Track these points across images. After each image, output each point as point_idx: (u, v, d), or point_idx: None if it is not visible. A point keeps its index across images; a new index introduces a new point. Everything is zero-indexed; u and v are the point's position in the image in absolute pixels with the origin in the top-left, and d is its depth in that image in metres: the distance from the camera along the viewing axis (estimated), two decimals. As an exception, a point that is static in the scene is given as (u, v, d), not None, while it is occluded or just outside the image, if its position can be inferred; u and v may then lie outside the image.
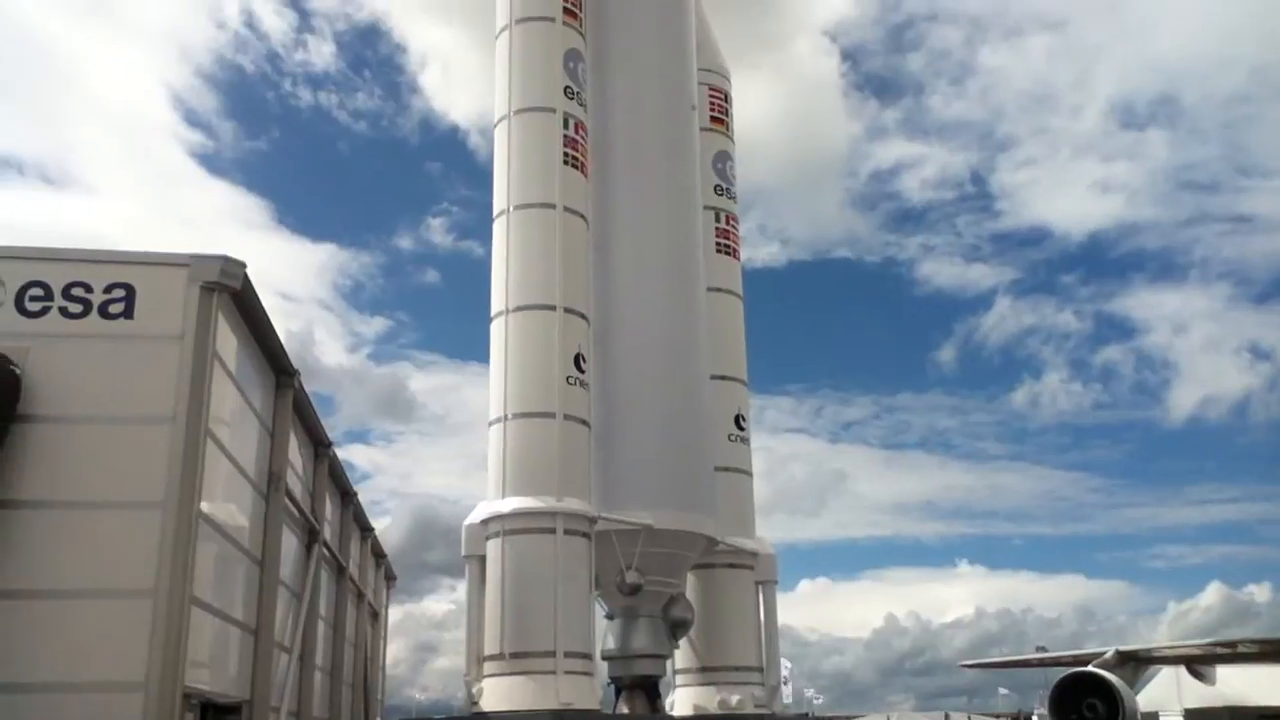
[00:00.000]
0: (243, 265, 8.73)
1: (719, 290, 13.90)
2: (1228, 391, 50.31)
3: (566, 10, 12.79)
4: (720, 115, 14.88)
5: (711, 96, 14.85)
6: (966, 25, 51.48)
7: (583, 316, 11.86)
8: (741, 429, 13.75)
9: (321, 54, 53.88)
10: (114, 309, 8.55)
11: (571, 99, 12.52)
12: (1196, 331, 52.09)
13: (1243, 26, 47.92)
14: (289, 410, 10.35)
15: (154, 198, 52.27)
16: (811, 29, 50.99)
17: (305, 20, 54.04)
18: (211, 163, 54.83)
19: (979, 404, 54.13)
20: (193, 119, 52.48)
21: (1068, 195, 53.46)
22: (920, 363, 54.72)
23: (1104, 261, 52.96)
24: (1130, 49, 51.34)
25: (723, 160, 14.68)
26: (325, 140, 54.88)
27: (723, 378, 13.54)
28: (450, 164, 55.99)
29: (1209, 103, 50.68)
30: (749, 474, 13.78)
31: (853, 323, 57.05)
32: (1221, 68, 50.19)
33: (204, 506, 8.15)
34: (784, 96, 51.80)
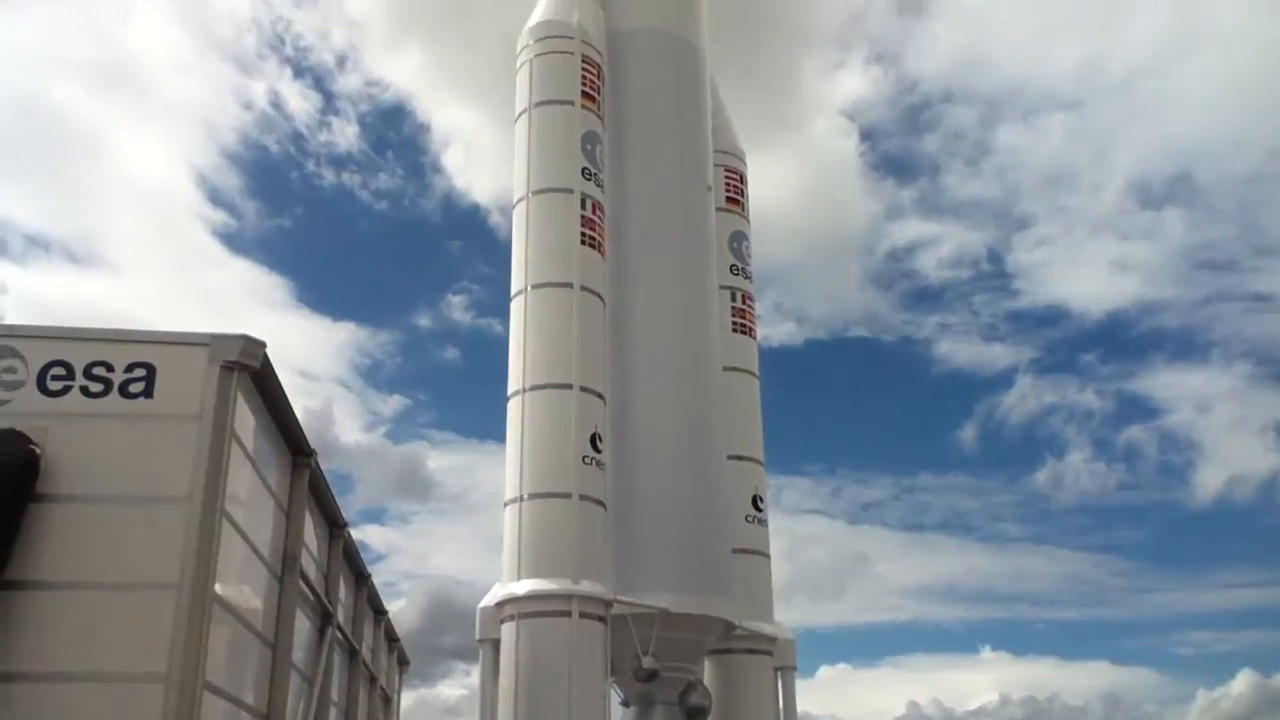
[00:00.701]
0: (262, 344, 8.78)
1: (735, 369, 13.88)
2: (1254, 472, 49.65)
3: (585, 94, 13.01)
4: (736, 196, 15.03)
5: (728, 177, 15.02)
6: (981, 105, 52.10)
7: (600, 396, 11.84)
8: (759, 510, 13.61)
9: (345, 135, 54.83)
10: (134, 388, 8.59)
11: (589, 180, 12.67)
12: (1220, 411, 51.59)
13: (1257, 108, 48.41)
14: (305, 490, 10.30)
15: (177, 276, 52.80)
16: (830, 109, 51.69)
17: (330, 102, 55.08)
18: (234, 241, 55.47)
19: (1000, 484, 53.49)
20: (216, 198, 53.24)
21: (1085, 274, 53.47)
22: (939, 442, 54.20)
23: (1123, 340, 52.74)
24: (1145, 129, 51.83)
25: (738, 240, 14.79)
26: (347, 219, 55.53)
27: (740, 458, 13.44)
28: (471, 242, 56.51)
29: (1225, 183, 50.95)
30: (767, 556, 13.59)
31: (871, 402, 56.64)
32: (1236, 148, 50.52)
33: (218, 589, 8.06)
34: (803, 176, 52.35)
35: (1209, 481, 50.87)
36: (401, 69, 52.41)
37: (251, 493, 9.14)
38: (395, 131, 57.80)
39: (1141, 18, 50.05)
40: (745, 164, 15.50)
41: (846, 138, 53.57)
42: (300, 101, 54.56)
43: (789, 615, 14.82)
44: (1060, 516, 51.63)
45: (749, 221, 15.16)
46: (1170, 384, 52.26)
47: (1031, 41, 51.86)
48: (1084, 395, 52.14)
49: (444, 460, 56.56)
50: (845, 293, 54.74)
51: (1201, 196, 51.20)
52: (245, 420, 8.93)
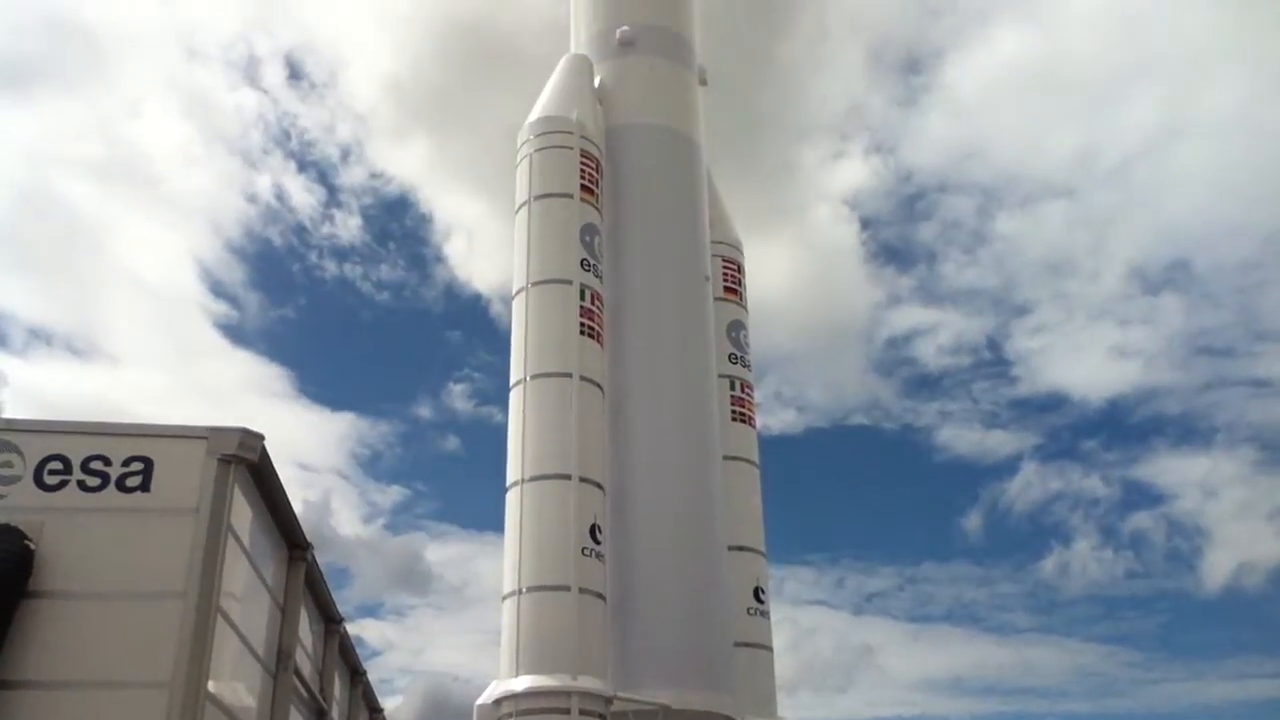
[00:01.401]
0: (260, 437, 8.78)
1: (735, 459, 13.84)
2: (1262, 559, 49.07)
3: (584, 187, 13.22)
4: (734, 285, 15.17)
5: (725, 267, 15.17)
6: (978, 195, 52.88)
7: (599, 486, 11.79)
8: (761, 602, 13.43)
9: (348, 226, 55.48)
10: (131, 482, 8.56)
11: (588, 271, 12.80)
12: (1226, 497, 51.26)
13: (1251, 195, 49.14)
14: (300, 585, 10.19)
15: (178, 368, 52.94)
16: (831, 198, 52.43)
17: (334, 195, 55.86)
18: (235, 333, 55.72)
19: (1006, 573, 52.80)
20: (219, 290, 53.65)
21: (1084, 360, 53.63)
22: (943, 531, 53.69)
23: (1125, 426, 52.61)
24: (1141, 216, 52.54)
25: (737, 329, 14.87)
26: (348, 310, 55.89)
27: (740, 548, 13.31)
28: (472, 331, 56.80)
29: (1221, 269, 51.43)
30: (770, 649, 13.36)
31: (873, 490, 56.27)
32: (1232, 235, 51.15)
33: (211, 687, 7.92)
34: (804, 264, 52.93)
35: (1218, 569, 50.31)
36: (405, 161, 53.42)
37: (247, 587, 9.03)
38: (398, 223, 58.61)
39: (1134, 106, 51.14)
40: (742, 254, 15.68)
41: (847, 226, 54.30)
42: (304, 195, 55.42)
43: (793, 710, 14.50)
44: (1068, 606, 50.89)
45: (747, 310, 15.28)
46: (1174, 470, 52.05)
47: (1025, 131, 52.93)
48: (1088, 482, 51.87)
49: (443, 552, 56.05)
50: (845, 380, 54.88)
51: (1198, 283, 51.67)
52: (242, 514, 8.88)
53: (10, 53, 47.82)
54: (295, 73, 57.92)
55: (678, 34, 15.00)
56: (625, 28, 14.50)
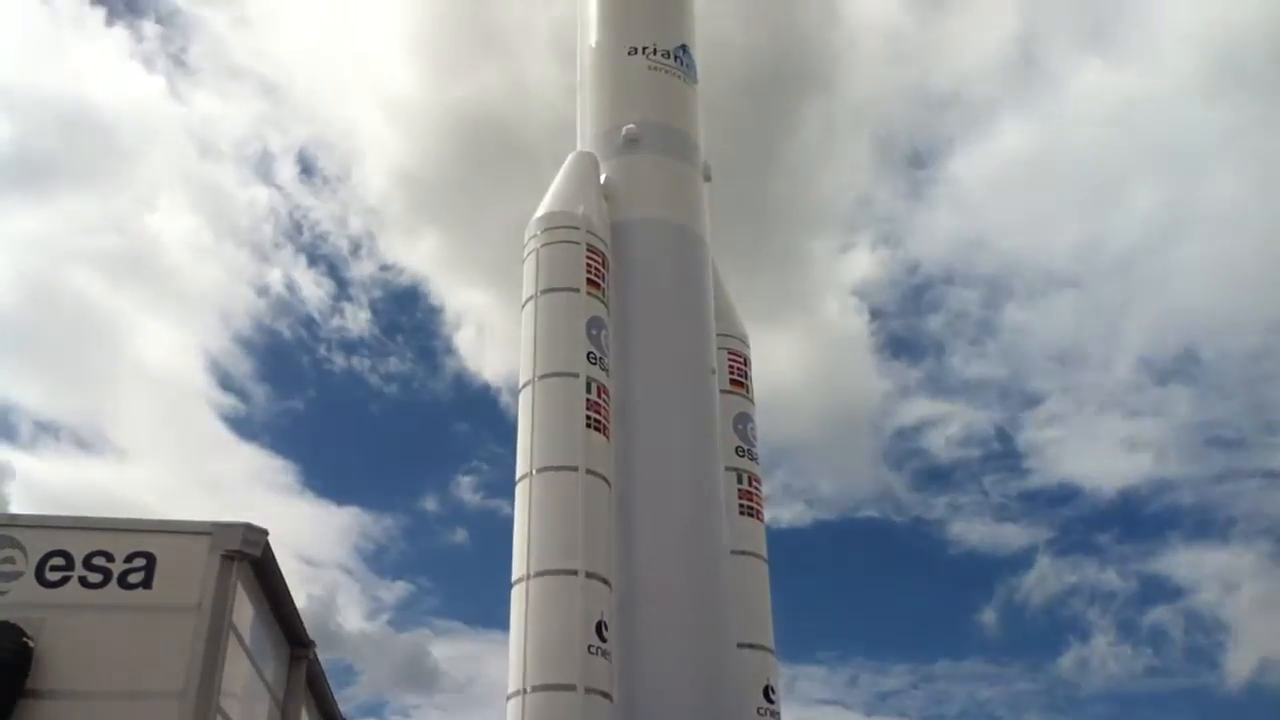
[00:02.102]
0: (264, 533, 8.72)
1: (744, 553, 13.68)
2: (1288, 656, 48.02)
3: (590, 281, 13.35)
4: (739, 378, 15.19)
5: (731, 360, 15.21)
6: (983, 286, 53.33)
7: (605, 582, 11.63)
8: (771, 702, 13.13)
9: (358, 320, 55.90)
10: (133, 578, 8.49)
11: (594, 364, 12.84)
12: (1246, 591, 50.44)
13: (1254, 285, 49.50)
14: (302, 684, 10.01)
15: (184, 462, 52.86)
16: (840, 289, 52.89)
17: (344, 288, 56.42)
18: (242, 426, 55.78)
19: (1022, 671, 51.69)
20: (227, 383, 53.84)
21: (1096, 451, 53.38)
22: (957, 627, 52.69)
23: (1139, 519, 52.09)
24: (1146, 307, 52.88)
25: (743, 422, 14.84)
26: (356, 403, 55.97)
27: (750, 646, 13.08)
28: (481, 422, 56.75)
29: (1228, 359, 51.54)
30: (781, 750, 13.04)
31: (884, 585, 55.48)
32: (1237, 325, 51.38)
33: (208, 792, 7.73)
34: (813, 355, 53.14)
35: (1240, 665, 49.22)
36: (416, 253, 54.04)
37: (247, 687, 8.86)
38: (408, 315, 59.07)
39: (1136, 198, 51.86)
40: (748, 346, 15.74)
41: (856, 316, 54.62)
42: (314, 288, 55.97)
43: (806, 814, 14.08)
44: (1088, 704, 49.65)
45: (753, 403, 15.27)
46: (1190, 563, 51.33)
47: (1030, 224, 53.59)
48: (1104, 575, 51.12)
49: (448, 649, 55.11)
50: (855, 472, 54.60)
51: (1206, 373, 51.71)
52: (244, 611, 8.76)
53: (30, 151, 48.89)
54: (307, 168, 59.03)
55: (682, 132, 15.30)
56: (631, 126, 14.81)
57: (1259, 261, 49.54)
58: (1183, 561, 51.61)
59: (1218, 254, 50.99)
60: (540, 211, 13.98)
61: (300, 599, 9.60)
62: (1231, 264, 50.39)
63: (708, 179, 15.60)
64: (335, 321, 56.32)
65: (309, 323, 55.64)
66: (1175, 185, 51.91)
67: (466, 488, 56.63)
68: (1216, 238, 51.34)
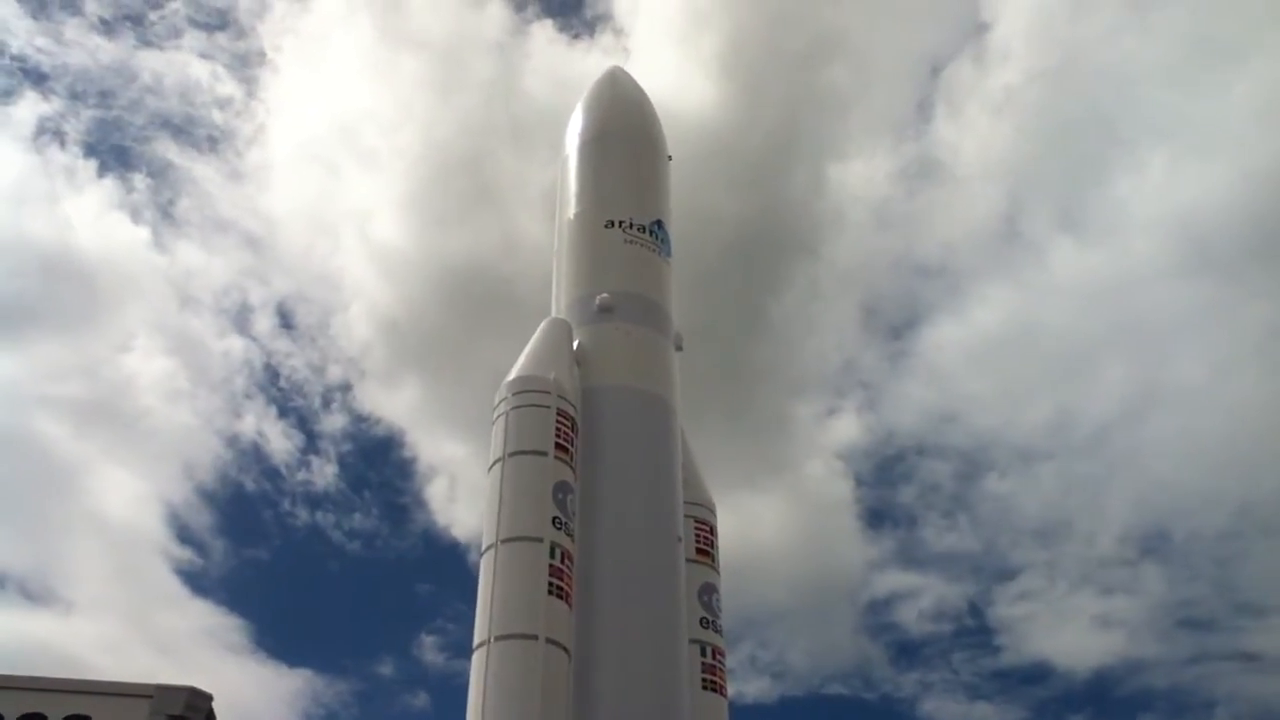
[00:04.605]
0: (209, 697, 8.43)
1: (705, 730, 13.28)
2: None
3: (558, 445, 13.41)
4: (705, 547, 15.07)
5: (698, 529, 15.12)
6: (956, 459, 53.58)
7: (561, 758, 11.23)
8: None
9: (324, 474, 55.11)
10: (66, 743, 8.11)
11: (559, 529, 12.75)
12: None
13: (1226, 463, 50.03)
14: None
15: (133, 617, 51.05)
16: (825, 453, 52.89)
17: (312, 442, 55.87)
18: (196, 581, 54.12)
19: None
20: (185, 536, 52.55)
21: (1068, 630, 52.64)
22: (933, 815, 50.79)
23: (1112, 700, 51.04)
24: (1118, 484, 53.19)
25: (708, 593, 14.64)
26: (315, 559, 54.65)
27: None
28: (448, 581, 55.28)
29: (1198, 539, 51.61)
30: None
31: (853, 766, 53.62)
32: (1207, 505, 51.67)
33: None
34: (795, 520, 52.72)
35: None
36: (395, 403, 53.91)
37: None
38: (375, 471, 58.40)
39: (1107, 376, 52.76)
40: (715, 515, 15.68)
41: (841, 481, 54.45)
42: (282, 440, 55.49)
43: None
44: None
45: (719, 573, 15.10)
46: (1167, 749, 50.02)
47: (1002, 399, 54.29)
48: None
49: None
50: (830, 644, 53.45)
51: (1179, 553, 51.68)
52: (179, 781, 8.37)
53: (6, 295, 49.09)
54: (286, 321, 59.44)
55: (655, 302, 15.68)
56: (605, 295, 15.19)
57: (1226, 441, 50.27)
58: (1159, 748, 50.30)
59: (1187, 433, 51.75)
60: (512, 375, 14.16)
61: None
62: (1200, 444, 51.09)
63: (679, 348, 15.90)
64: (301, 475, 55.70)
65: (274, 475, 54.95)
66: (1147, 361, 53.06)
67: (429, 647, 54.91)
68: (1185, 417, 52.21)
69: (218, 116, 55.11)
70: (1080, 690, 51.53)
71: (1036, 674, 52.52)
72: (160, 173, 58.43)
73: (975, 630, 53.33)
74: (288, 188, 56.17)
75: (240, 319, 55.81)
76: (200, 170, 56.35)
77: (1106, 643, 51.76)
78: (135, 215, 57.51)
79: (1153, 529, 52.03)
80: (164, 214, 55.79)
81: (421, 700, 52.64)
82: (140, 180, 59.19)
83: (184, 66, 54.95)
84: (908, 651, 54.02)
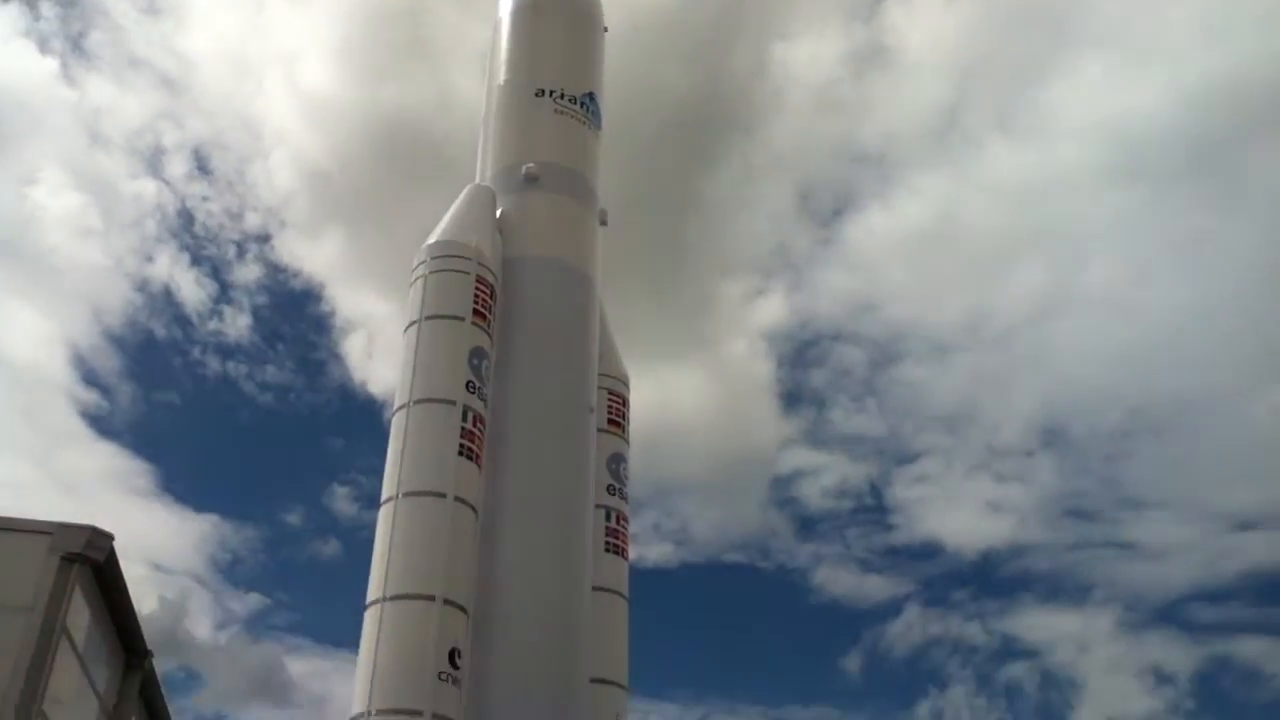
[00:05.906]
0: (110, 537, 8.63)
1: (605, 590, 13.85)
2: (1132, 716, 49.90)
3: (476, 311, 13.49)
4: (617, 419, 15.43)
5: (610, 400, 15.46)
6: (870, 347, 54.84)
7: (463, 609, 11.69)
8: (619, 736, 13.28)
9: (237, 325, 54.51)
10: (-36, 575, 8.29)
11: (473, 393, 12.95)
12: (1098, 653, 52.38)
13: (1127, 365, 51.95)
14: (134, 694, 9.85)
15: (36, 457, 50.71)
16: (750, 334, 53.76)
17: (225, 291, 54.97)
18: (102, 424, 53.80)
19: (873, 717, 52.80)
20: (91, 379, 51.87)
21: (960, 514, 55.20)
22: (814, 674, 53.56)
23: (995, 579, 53.98)
24: (1024, 380, 55.00)
25: (616, 461, 15.07)
26: (226, 409, 54.41)
27: (603, 681, 13.21)
28: (363, 435, 55.64)
29: (1094, 436, 53.88)
30: (625, 786, 13.17)
31: (743, 629, 56.12)
32: (1106, 404, 53.79)
33: (17, 797, 7.59)
34: (715, 396, 53.79)
35: (1087, 721, 50.82)
36: (314, 258, 53.03)
37: (75, 693, 8.70)
38: (290, 324, 57.74)
39: (1026, 275, 53.91)
40: (629, 388, 16.02)
41: (763, 362, 55.45)
42: (195, 288, 54.44)
43: None
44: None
45: (629, 444, 15.52)
46: (1042, 624, 53.17)
47: (922, 290, 55.30)
48: (968, 629, 52.54)
49: (298, 667, 53.72)
50: (737, 517, 55.23)
51: (1074, 448, 53.91)
52: (80, 616, 8.62)
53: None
54: (202, 165, 57.64)
55: (581, 175, 15.61)
56: (531, 165, 15.09)
57: (1130, 344, 52.06)
58: (1034, 623, 53.47)
59: (1096, 334, 53.43)
60: (432, 239, 14.12)
61: (151, 602, 9.49)
62: (1105, 346, 52.85)
63: (603, 223, 15.93)
64: (213, 324, 54.91)
65: (185, 323, 54.07)
66: (1060, 266, 54.27)
67: (342, 497, 55.48)
68: (1096, 319, 53.79)
69: (135, -56, 52.38)
70: (967, 569, 54.28)
71: (926, 552, 55.15)
72: (70, 1, 55.52)
73: (872, 508, 55.57)
74: (208, 25, 53.79)
75: (153, 160, 53.97)
76: (113, 2, 53.67)
77: (996, 527, 54.33)
78: (43, 45, 54.88)
79: (1052, 424, 54.17)
80: (74, 46, 53.26)
81: (333, 546, 53.49)
82: (49, 8, 56.27)
83: (98, -117, 51.94)
84: (807, 525, 56.20)
